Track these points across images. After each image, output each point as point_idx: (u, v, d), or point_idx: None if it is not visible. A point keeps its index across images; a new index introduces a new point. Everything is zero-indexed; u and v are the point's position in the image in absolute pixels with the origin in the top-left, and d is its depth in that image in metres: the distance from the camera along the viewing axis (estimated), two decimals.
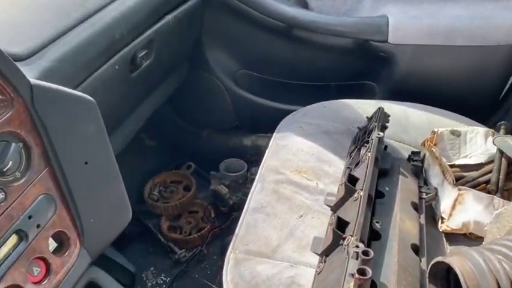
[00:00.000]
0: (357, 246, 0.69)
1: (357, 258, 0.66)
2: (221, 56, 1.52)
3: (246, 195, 1.03)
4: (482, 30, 1.23)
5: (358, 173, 0.93)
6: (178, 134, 1.74)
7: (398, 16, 1.28)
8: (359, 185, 0.87)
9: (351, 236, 0.73)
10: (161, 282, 1.40)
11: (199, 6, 1.30)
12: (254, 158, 1.59)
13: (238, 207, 1.47)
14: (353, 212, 0.80)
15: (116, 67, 0.97)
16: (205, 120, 1.68)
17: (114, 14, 0.95)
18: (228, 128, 1.67)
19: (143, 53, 1.09)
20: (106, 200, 0.81)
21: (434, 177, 1.03)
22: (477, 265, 0.69)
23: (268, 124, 1.27)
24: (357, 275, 0.60)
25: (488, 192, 1.00)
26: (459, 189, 0.94)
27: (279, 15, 1.33)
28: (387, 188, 0.96)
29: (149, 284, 1.40)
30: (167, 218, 1.53)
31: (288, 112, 1.29)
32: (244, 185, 1.51)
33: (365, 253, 0.64)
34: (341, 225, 0.78)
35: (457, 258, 0.73)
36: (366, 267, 0.61)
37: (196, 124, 1.70)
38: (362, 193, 0.83)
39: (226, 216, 1.51)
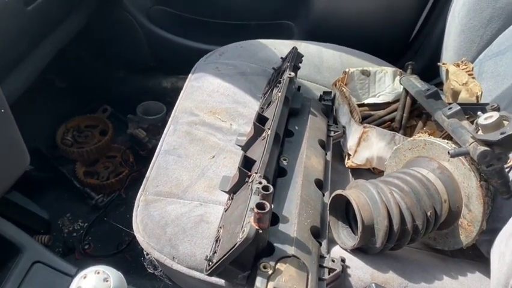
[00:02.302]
0: (260, 183, 0.70)
1: (259, 194, 0.67)
2: None
3: None
4: None
5: (268, 113, 0.93)
6: (91, 75, 1.64)
7: None
8: (267, 125, 0.88)
9: (256, 173, 0.74)
10: (78, 227, 1.37)
11: None
12: (174, 100, 1.56)
13: None
14: (260, 151, 0.81)
15: None
16: (119, 60, 1.60)
17: None
18: (145, 68, 1.60)
19: None
20: None
21: (343, 116, 1.06)
22: (371, 196, 0.74)
23: (188, 65, 1.23)
24: (255, 210, 0.62)
25: (393, 130, 1.05)
26: (364, 127, 0.99)
27: None
28: (296, 127, 0.98)
29: (66, 230, 1.36)
30: (82, 164, 1.48)
31: (206, 52, 1.25)
32: (163, 128, 1.47)
33: (265, 188, 0.66)
34: (248, 163, 0.79)
35: (353, 190, 0.77)
36: (265, 202, 0.63)
37: (111, 64, 1.61)
38: (269, 132, 0.84)
39: (145, 160, 1.48)
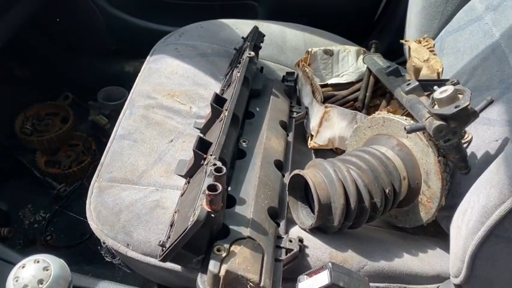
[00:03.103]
0: (214, 165, 0.68)
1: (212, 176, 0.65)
2: None
3: None
4: None
5: (227, 94, 0.91)
6: (51, 62, 1.57)
7: None
8: (225, 106, 0.85)
9: (211, 155, 0.72)
10: (40, 218, 1.33)
11: None
12: None
13: None
14: (217, 132, 0.78)
15: None
16: (80, 46, 1.54)
17: None
18: (106, 53, 1.54)
19: None
20: None
21: (306, 97, 1.05)
22: (327, 175, 0.73)
23: (150, 47, 1.19)
24: (207, 191, 0.60)
25: (356, 109, 1.04)
26: (325, 107, 0.97)
27: None
28: (257, 109, 0.96)
29: (27, 222, 1.32)
30: (43, 153, 1.43)
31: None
32: None
33: (218, 170, 0.63)
34: (204, 145, 0.77)
35: (311, 170, 0.76)
36: (217, 183, 0.61)
37: (71, 50, 1.55)
38: (226, 113, 0.81)
39: None
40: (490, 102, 0.70)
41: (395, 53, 1.28)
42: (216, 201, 0.61)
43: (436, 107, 0.71)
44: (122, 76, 1.55)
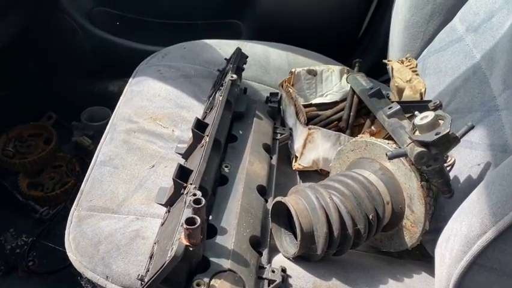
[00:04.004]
0: (194, 195, 0.66)
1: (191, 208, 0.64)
2: None
3: None
4: None
5: (209, 118, 0.90)
6: (34, 82, 1.55)
7: None
8: (207, 131, 0.84)
9: (191, 184, 0.71)
10: (22, 243, 1.30)
11: None
12: None
13: None
14: (198, 159, 0.77)
15: None
16: (62, 65, 1.52)
17: None
18: (90, 72, 1.53)
19: None
20: None
21: (290, 118, 1.04)
22: (310, 202, 0.72)
23: (135, 67, 1.18)
24: (185, 225, 0.58)
25: (340, 130, 1.04)
26: (309, 128, 0.97)
27: None
28: (240, 132, 0.95)
29: (9, 247, 1.29)
30: (26, 175, 1.40)
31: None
32: None
33: (197, 202, 0.62)
34: (184, 173, 0.75)
35: (293, 197, 0.75)
36: (195, 216, 0.60)
37: (53, 69, 1.53)
38: (207, 139, 0.80)
39: None
40: (471, 128, 0.69)
41: (379, 70, 1.28)
42: (195, 234, 0.60)
43: (417, 132, 0.70)
44: (106, 95, 1.53)
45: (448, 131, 0.65)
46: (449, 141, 0.68)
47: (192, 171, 0.75)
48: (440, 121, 0.69)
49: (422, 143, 0.68)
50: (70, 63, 1.51)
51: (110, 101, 1.51)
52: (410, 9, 1.04)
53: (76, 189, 1.38)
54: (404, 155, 0.71)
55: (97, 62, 1.49)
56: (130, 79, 1.12)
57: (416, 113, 0.71)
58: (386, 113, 0.82)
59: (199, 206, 0.61)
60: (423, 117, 0.69)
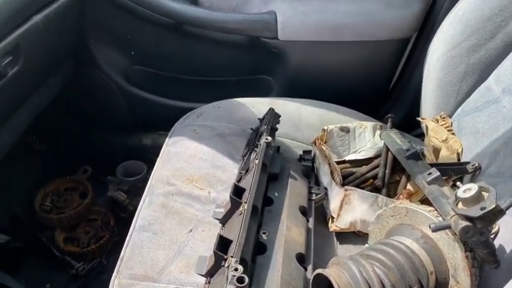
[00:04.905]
0: (236, 269, 0.67)
1: (234, 285, 0.64)
2: (109, 53, 1.42)
3: None
4: (366, 26, 1.25)
5: (246, 181, 0.91)
6: (71, 136, 1.61)
7: (287, 13, 1.27)
8: (244, 197, 0.85)
9: (232, 257, 0.71)
10: None
11: (75, 2, 1.18)
12: (156, 158, 1.53)
13: None
14: (237, 227, 0.78)
15: None
16: (99, 120, 1.58)
17: None
18: (124, 127, 1.58)
19: (8, 60, 0.97)
20: None
21: (324, 176, 1.04)
22: (353, 276, 0.71)
23: (168, 122, 1.21)
24: None
25: (376, 187, 1.03)
26: (345, 190, 0.96)
27: (165, 12, 1.26)
28: (276, 194, 0.95)
29: None
30: (62, 230, 1.43)
31: (188, 110, 1.24)
32: (143, 188, 1.44)
33: (240, 280, 0.62)
34: (224, 244, 0.76)
35: (335, 269, 0.74)
36: None
37: (90, 124, 1.59)
38: (246, 206, 0.81)
39: (126, 222, 1.44)
40: None
41: (411, 124, 1.27)
42: None
43: (460, 205, 0.69)
44: (139, 149, 1.57)
45: (493, 206, 0.64)
46: (495, 214, 0.67)
47: (232, 241, 0.76)
48: (483, 193, 0.68)
49: (466, 217, 0.67)
50: (105, 118, 1.57)
51: (144, 154, 1.55)
52: (442, 68, 1.05)
53: (110, 244, 1.41)
54: (448, 227, 0.70)
55: (132, 117, 1.54)
56: (167, 139, 1.15)
57: (458, 183, 0.71)
58: (425, 179, 0.81)
59: (243, 285, 0.62)
60: (466, 190, 0.68)
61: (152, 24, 1.34)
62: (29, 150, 1.58)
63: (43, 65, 1.16)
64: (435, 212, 0.78)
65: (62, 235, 1.42)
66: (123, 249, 0.89)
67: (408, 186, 1.02)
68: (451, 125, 1.04)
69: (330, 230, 0.99)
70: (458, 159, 0.97)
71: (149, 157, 1.53)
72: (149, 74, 1.46)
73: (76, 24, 1.26)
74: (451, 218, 0.69)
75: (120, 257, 0.88)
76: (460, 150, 0.98)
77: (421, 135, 1.20)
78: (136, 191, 1.44)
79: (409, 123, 1.28)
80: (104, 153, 1.60)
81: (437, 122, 1.06)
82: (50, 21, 1.07)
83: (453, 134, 1.02)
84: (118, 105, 1.49)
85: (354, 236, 0.99)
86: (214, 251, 0.73)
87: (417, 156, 0.93)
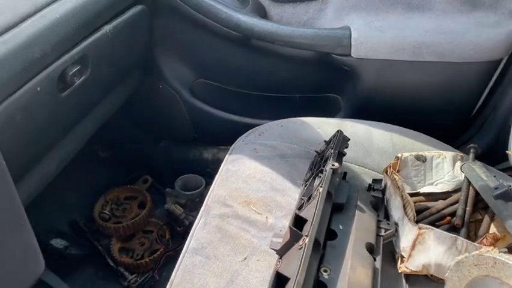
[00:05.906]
0: None
1: None
2: (176, 65, 1.41)
3: None
4: (451, 45, 1.13)
5: (308, 211, 0.83)
6: (134, 145, 1.63)
7: (362, 28, 1.18)
8: (305, 230, 0.77)
9: None
10: None
11: (144, 14, 1.19)
12: (215, 172, 1.50)
13: None
14: (296, 263, 0.70)
15: (38, 89, 0.86)
16: (161, 131, 1.58)
17: (32, 30, 0.83)
18: (186, 139, 1.56)
19: (75, 70, 0.97)
20: (8, 253, 0.69)
21: (395, 210, 0.94)
22: None
23: (230, 137, 1.18)
24: None
25: (453, 226, 0.92)
26: (419, 228, 0.86)
27: (234, 25, 1.23)
28: (341, 227, 0.87)
29: None
30: (118, 239, 1.43)
31: (250, 126, 1.19)
32: (201, 203, 1.41)
33: None
34: (281, 281, 0.69)
35: None
36: None
37: (153, 135, 1.60)
38: (307, 240, 0.73)
39: (181, 237, 1.41)
40: None
41: (496, 156, 1.14)
42: None
43: None
44: (200, 162, 1.55)
45: None
46: None
47: (289, 279, 0.69)
48: None
49: None
50: (168, 130, 1.57)
51: (204, 169, 1.53)
52: None
53: (164, 258, 1.39)
54: None
55: (194, 131, 1.52)
56: (227, 156, 1.11)
57: None
58: None
59: None
60: None
61: (219, 38, 1.32)
62: (93, 157, 1.61)
63: (110, 75, 1.16)
64: None
65: (117, 245, 1.42)
66: (174, 271, 0.85)
67: (493, 229, 0.89)
68: None
69: (399, 271, 0.88)
70: None
71: (208, 170, 1.51)
72: (214, 87, 1.44)
73: (143, 35, 1.27)
74: None
75: (170, 279, 0.84)
76: None
77: (509, 170, 1.06)
78: (193, 205, 1.42)
79: (493, 155, 1.14)
80: (164, 164, 1.60)
81: None
82: (118, 32, 1.07)
83: None
84: (181, 118, 1.48)
85: (427, 280, 0.88)
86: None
87: (508, 196, 0.81)
